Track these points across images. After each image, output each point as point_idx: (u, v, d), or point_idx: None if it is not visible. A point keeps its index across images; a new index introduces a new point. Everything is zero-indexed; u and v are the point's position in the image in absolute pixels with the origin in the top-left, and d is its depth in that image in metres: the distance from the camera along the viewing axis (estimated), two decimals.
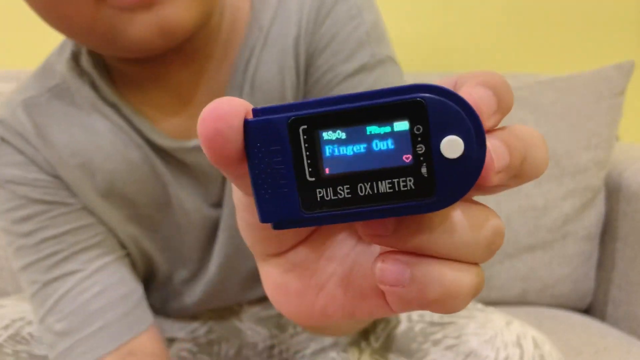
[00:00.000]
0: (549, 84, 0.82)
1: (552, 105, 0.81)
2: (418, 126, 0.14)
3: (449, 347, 0.42)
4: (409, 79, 0.92)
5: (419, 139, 0.14)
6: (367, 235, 0.16)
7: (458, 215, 0.16)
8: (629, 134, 1.00)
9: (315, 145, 0.15)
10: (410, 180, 0.14)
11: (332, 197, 0.15)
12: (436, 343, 0.43)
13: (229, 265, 0.48)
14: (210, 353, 0.53)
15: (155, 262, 0.49)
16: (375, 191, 0.15)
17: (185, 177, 0.44)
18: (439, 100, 0.14)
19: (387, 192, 0.14)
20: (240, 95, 0.42)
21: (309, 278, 0.21)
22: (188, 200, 0.45)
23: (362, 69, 0.42)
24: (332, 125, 0.15)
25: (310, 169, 0.15)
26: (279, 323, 0.54)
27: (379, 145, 0.14)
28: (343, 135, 0.15)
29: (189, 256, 0.48)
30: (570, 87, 0.81)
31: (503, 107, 0.16)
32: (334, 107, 0.15)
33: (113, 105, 0.42)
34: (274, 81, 0.42)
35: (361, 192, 0.15)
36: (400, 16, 0.95)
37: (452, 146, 0.14)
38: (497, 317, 0.43)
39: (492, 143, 0.15)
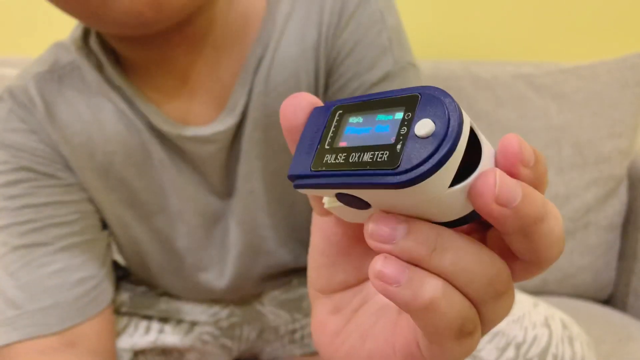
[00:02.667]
0: (572, 71, 0.81)
1: (575, 93, 0.80)
2: (409, 113, 0.17)
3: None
4: (428, 66, 0.91)
5: (405, 123, 0.16)
6: (374, 241, 0.17)
7: (463, 240, 0.17)
8: None
9: (341, 125, 0.19)
10: (385, 153, 0.16)
11: (332, 161, 0.18)
12: None
13: (243, 262, 0.48)
14: (232, 336, 0.54)
15: (144, 250, 0.49)
16: (360, 159, 0.17)
17: (184, 163, 0.44)
18: (431, 95, 0.16)
19: (367, 161, 0.17)
20: (251, 93, 0.42)
21: (347, 322, 0.23)
22: (185, 187, 0.45)
23: (386, 77, 0.42)
24: (356, 112, 0.18)
25: (329, 140, 0.19)
26: (301, 307, 0.54)
27: (379, 129, 0.17)
28: (360, 120, 0.18)
29: (188, 249, 0.48)
30: (593, 75, 0.80)
31: (537, 171, 0.17)
32: (361, 99, 0.19)
33: (118, 88, 0.43)
34: (290, 82, 0.42)
35: (351, 159, 0.17)
36: (422, 2, 0.95)
37: (424, 126, 0.16)
38: (524, 298, 0.43)
39: (505, 179, 0.16)
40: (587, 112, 0.79)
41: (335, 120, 0.19)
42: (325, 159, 0.18)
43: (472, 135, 0.17)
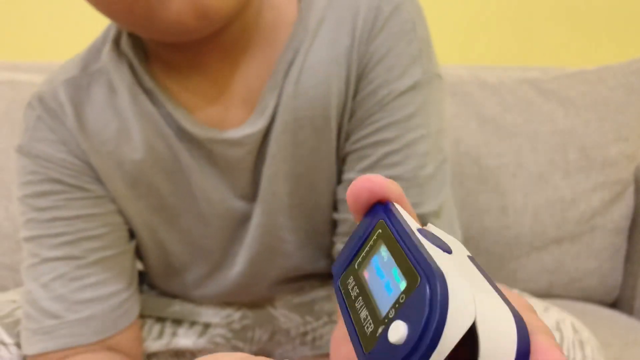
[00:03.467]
0: (577, 76, 0.81)
1: (581, 97, 0.80)
2: (402, 296, 0.15)
3: None
4: None
5: (398, 304, 0.15)
6: None
7: None
8: None
9: (372, 250, 0.19)
10: (371, 326, 0.16)
11: (349, 288, 0.19)
12: None
13: (258, 263, 0.49)
14: (244, 339, 0.54)
15: (172, 253, 0.49)
16: (359, 310, 0.17)
17: (211, 167, 0.45)
18: (423, 285, 0.14)
19: (360, 318, 0.17)
20: (281, 96, 0.43)
21: None
22: (213, 191, 0.45)
23: (414, 87, 0.43)
24: (388, 244, 0.18)
25: (360, 260, 0.19)
26: (313, 310, 0.54)
27: (387, 287, 0.16)
28: (385, 258, 0.18)
29: (211, 248, 0.49)
30: (599, 80, 0.80)
31: None
32: (400, 240, 0.17)
33: (148, 91, 0.43)
34: (320, 88, 0.43)
35: (356, 303, 0.18)
36: (428, 8, 0.95)
37: (396, 331, 0.14)
38: (535, 303, 0.44)
39: None
40: (593, 117, 0.79)
41: (372, 240, 0.19)
42: (349, 280, 0.19)
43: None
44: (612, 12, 0.98)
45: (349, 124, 0.44)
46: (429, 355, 0.13)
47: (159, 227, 0.48)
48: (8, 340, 0.44)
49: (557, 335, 0.40)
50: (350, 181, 0.46)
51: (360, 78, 0.43)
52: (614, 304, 0.83)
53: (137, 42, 0.44)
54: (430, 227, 0.19)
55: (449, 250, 0.17)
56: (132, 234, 0.49)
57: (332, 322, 0.54)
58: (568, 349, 0.40)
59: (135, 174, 0.45)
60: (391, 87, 0.42)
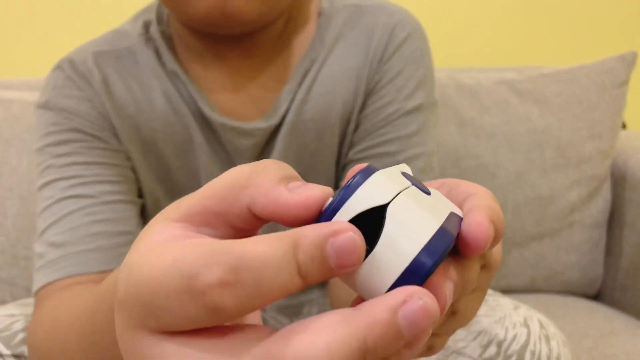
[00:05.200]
0: (552, 76, 0.84)
1: (556, 96, 0.83)
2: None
3: (462, 327, 0.45)
4: None
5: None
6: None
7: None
8: (637, 122, 1.01)
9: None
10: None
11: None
12: None
13: None
14: None
15: None
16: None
17: (220, 151, 0.49)
18: (354, 178, 0.17)
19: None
20: (293, 100, 0.48)
21: None
22: (217, 173, 0.47)
23: (418, 108, 0.48)
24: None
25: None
26: (301, 312, 0.57)
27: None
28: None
29: None
30: (573, 79, 0.83)
31: (496, 241, 0.19)
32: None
33: (172, 74, 0.47)
34: (329, 96, 0.48)
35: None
36: None
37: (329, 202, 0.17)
38: (505, 302, 0.46)
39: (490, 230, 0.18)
40: (568, 115, 0.82)
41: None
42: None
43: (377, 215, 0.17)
44: (585, 13, 1.00)
45: (354, 134, 0.49)
46: (332, 216, 0.16)
47: (162, 199, 0.50)
48: (5, 351, 0.45)
49: (524, 331, 0.43)
50: None
51: (370, 93, 0.48)
52: (596, 297, 0.86)
53: (165, 30, 0.49)
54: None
55: (427, 191, 0.19)
56: (140, 196, 0.51)
57: None
58: (535, 343, 0.42)
59: (149, 142, 0.48)
60: (399, 106, 0.47)
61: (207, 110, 0.47)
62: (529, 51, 1.01)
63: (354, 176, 0.17)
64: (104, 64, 0.48)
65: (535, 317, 0.45)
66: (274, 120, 0.47)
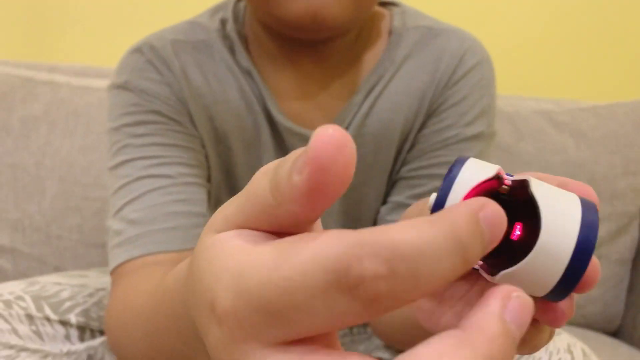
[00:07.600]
0: (590, 110, 0.85)
1: (593, 130, 0.83)
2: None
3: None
4: None
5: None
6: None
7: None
8: None
9: None
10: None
11: None
12: None
13: None
14: None
15: None
16: None
17: (283, 154, 0.49)
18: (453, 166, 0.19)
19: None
20: (357, 113, 0.49)
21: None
22: None
23: (477, 136, 0.48)
24: None
25: None
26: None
27: None
28: None
29: None
30: (611, 115, 0.84)
31: None
32: None
33: (246, 72, 0.48)
34: (391, 113, 0.49)
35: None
36: None
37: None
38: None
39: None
40: (603, 150, 0.83)
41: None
42: None
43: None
44: (624, 51, 1.01)
45: (409, 153, 0.50)
46: (446, 196, 0.18)
47: (222, 190, 0.51)
48: (53, 316, 0.45)
49: (568, 357, 0.43)
50: (396, 204, 0.50)
51: (431, 115, 0.49)
52: (616, 333, 0.86)
53: (241, 29, 0.50)
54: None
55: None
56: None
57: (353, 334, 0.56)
58: None
59: (220, 134, 0.49)
60: (459, 131, 0.48)
61: (275, 112, 0.48)
62: (567, 84, 1.02)
63: (450, 168, 0.18)
64: (182, 52, 0.48)
65: (579, 345, 0.45)
66: None
